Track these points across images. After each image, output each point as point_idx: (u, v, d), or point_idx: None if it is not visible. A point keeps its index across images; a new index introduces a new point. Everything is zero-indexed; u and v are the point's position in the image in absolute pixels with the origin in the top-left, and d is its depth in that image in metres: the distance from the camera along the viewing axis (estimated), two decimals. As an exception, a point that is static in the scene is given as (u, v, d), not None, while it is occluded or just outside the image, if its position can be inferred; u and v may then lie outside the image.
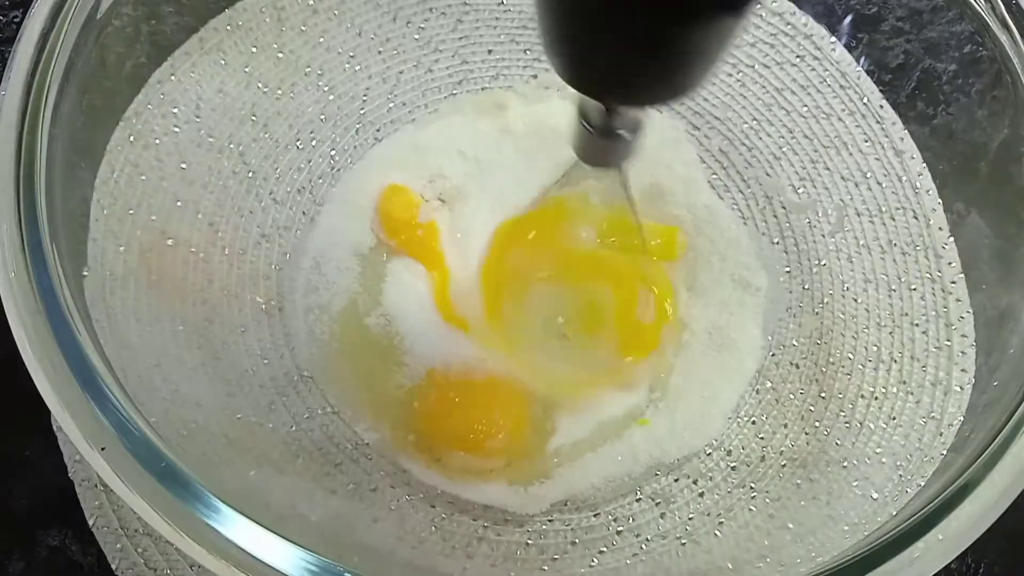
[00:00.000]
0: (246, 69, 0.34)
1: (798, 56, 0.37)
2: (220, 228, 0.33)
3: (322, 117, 0.36)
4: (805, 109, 0.36)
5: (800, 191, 0.36)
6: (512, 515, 0.31)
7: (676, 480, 0.31)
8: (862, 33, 0.36)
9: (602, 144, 0.23)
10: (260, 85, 0.35)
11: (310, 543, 0.21)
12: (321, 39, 0.36)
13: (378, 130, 0.38)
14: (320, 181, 0.36)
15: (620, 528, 0.30)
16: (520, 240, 0.36)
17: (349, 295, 0.34)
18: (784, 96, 0.37)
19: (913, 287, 0.33)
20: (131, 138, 0.30)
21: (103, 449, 0.21)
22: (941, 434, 0.29)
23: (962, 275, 0.32)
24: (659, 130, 0.38)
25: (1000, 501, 0.22)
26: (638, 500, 0.31)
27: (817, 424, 0.31)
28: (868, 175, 0.35)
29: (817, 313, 0.34)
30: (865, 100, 0.36)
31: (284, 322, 0.33)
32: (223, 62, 0.33)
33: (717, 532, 0.29)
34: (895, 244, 0.34)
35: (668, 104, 0.20)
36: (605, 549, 0.30)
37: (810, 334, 0.34)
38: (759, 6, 0.37)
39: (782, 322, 0.34)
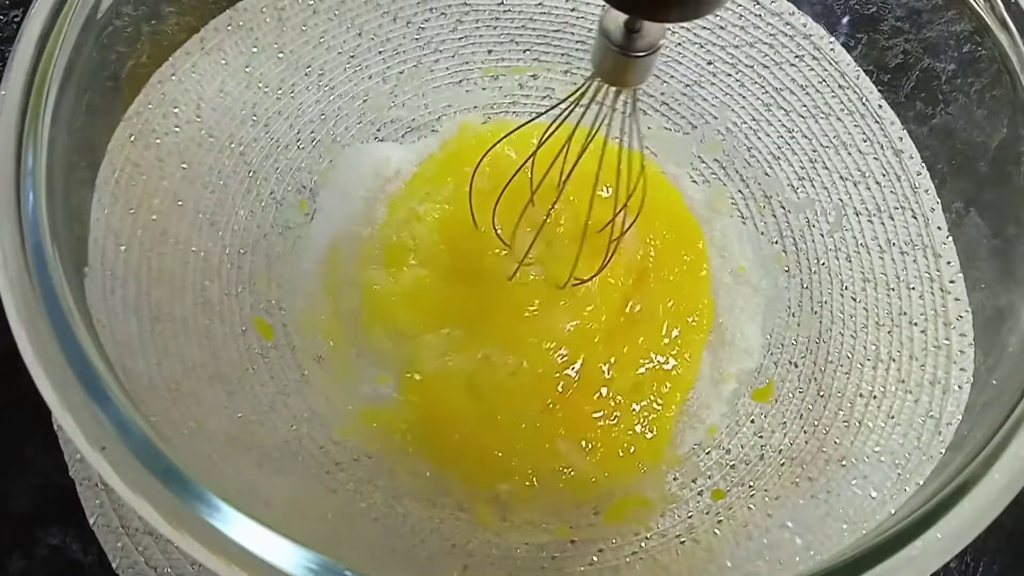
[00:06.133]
0: (247, 69, 0.34)
1: (797, 56, 0.37)
2: (221, 228, 0.33)
3: (322, 116, 0.37)
4: (804, 109, 0.36)
5: (799, 191, 0.36)
6: (511, 515, 0.31)
7: (675, 479, 0.31)
8: (861, 33, 0.36)
9: (621, 62, 0.24)
10: (261, 85, 0.35)
11: (310, 542, 0.21)
12: (321, 39, 0.36)
13: (378, 130, 0.38)
14: (320, 180, 0.36)
15: (620, 527, 0.30)
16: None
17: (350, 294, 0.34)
18: (783, 96, 0.37)
19: (912, 286, 0.33)
20: (132, 138, 0.30)
21: (103, 448, 0.21)
22: (940, 433, 0.29)
23: (960, 274, 0.32)
24: (659, 129, 0.38)
25: (999, 500, 0.22)
26: (638, 499, 0.31)
27: (816, 423, 0.31)
28: (867, 174, 0.35)
29: (816, 312, 0.34)
30: (864, 100, 0.36)
31: (284, 321, 0.33)
32: (224, 62, 0.34)
33: (716, 530, 0.29)
34: (894, 243, 0.34)
35: (689, 20, 0.22)
36: (604, 548, 0.30)
37: (809, 333, 0.34)
38: (758, 6, 0.37)
39: (781, 321, 0.35)
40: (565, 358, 0.33)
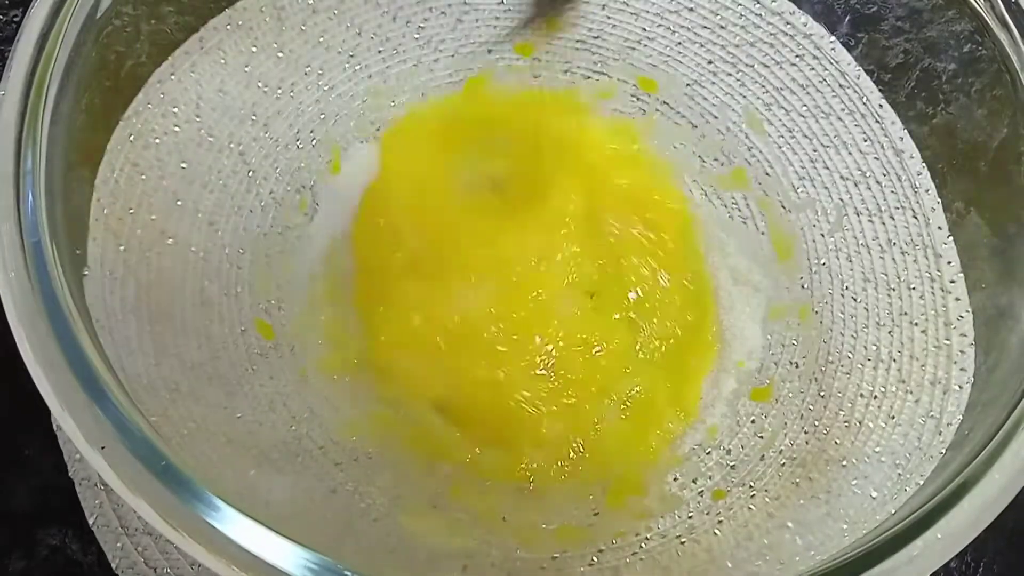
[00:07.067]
0: (246, 68, 0.34)
1: (797, 56, 0.37)
2: (220, 227, 0.33)
3: (322, 116, 0.37)
4: (804, 108, 0.36)
5: (799, 190, 0.36)
6: (511, 515, 0.31)
7: (675, 479, 0.31)
8: (861, 32, 0.36)
9: None
10: (260, 84, 0.35)
11: (310, 542, 0.21)
12: (321, 39, 0.36)
13: (378, 129, 0.38)
14: (320, 180, 0.36)
15: (619, 527, 0.30)
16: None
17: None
18: (784, 96, 0.37)
19: (912, 286, 0.33)
20: (131, 137, 0.30)
21: (103, 448, 0.21)
22: (940, 433, 0.29)
23: (961, 274, 0.32)
24: (659, 129, 0.38)
25: (999, 499, 0.22)
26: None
27: (816, 423, 0.31)
28: (867, 174, 0.35)
29: (817, 312, 0.34)
30: (864, 99, 0.36)
31: (284, 321, 0.33)
32: (223, 61, 0.33)
33: (716, 531, 0.29)
34: (894, 243, 0.34)
35: None
36: (604, 548, 0.30)
37: (810, 333, 0.34)
38: (758, 5, 0.37)
39: (782, 321, 0.34)
40: (565, 357, 0.33)
